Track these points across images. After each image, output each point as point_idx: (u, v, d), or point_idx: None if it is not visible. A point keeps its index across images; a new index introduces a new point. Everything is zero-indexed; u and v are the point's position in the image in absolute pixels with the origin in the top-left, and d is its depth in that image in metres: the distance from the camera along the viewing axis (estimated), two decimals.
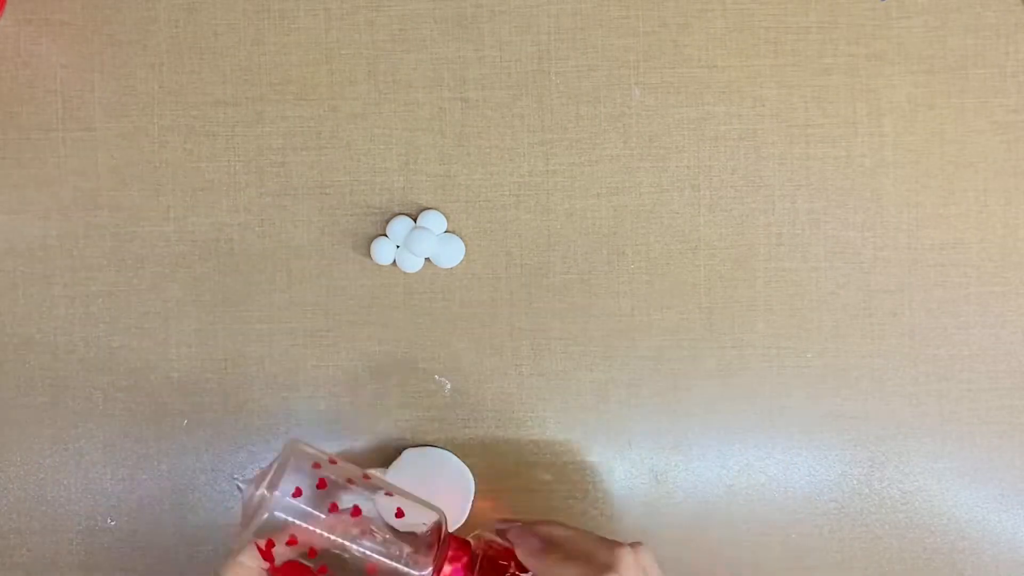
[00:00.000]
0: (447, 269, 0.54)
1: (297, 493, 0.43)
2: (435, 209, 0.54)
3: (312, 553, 0.43)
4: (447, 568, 0.45)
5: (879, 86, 0.55)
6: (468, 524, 0.53)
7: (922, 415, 0.55)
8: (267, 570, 0.43)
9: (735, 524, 0.55)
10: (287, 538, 0.43)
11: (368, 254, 0.54)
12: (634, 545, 0.43)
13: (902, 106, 0.55)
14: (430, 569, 0.45)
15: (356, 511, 0.44)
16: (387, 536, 0.45)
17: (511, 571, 0.47)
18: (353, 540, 0.44)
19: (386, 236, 0.54)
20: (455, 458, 0.54)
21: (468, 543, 0.47)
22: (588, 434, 0.55)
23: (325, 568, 0.43)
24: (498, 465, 0.55)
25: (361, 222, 0.54)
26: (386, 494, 0.46)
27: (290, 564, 0.43)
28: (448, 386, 0.54)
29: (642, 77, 0.54)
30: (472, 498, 0.54)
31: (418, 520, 0.46)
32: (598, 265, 0.55)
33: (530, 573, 0.46)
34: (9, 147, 0.54)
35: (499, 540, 0.48)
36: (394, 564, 0.44)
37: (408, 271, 0.54)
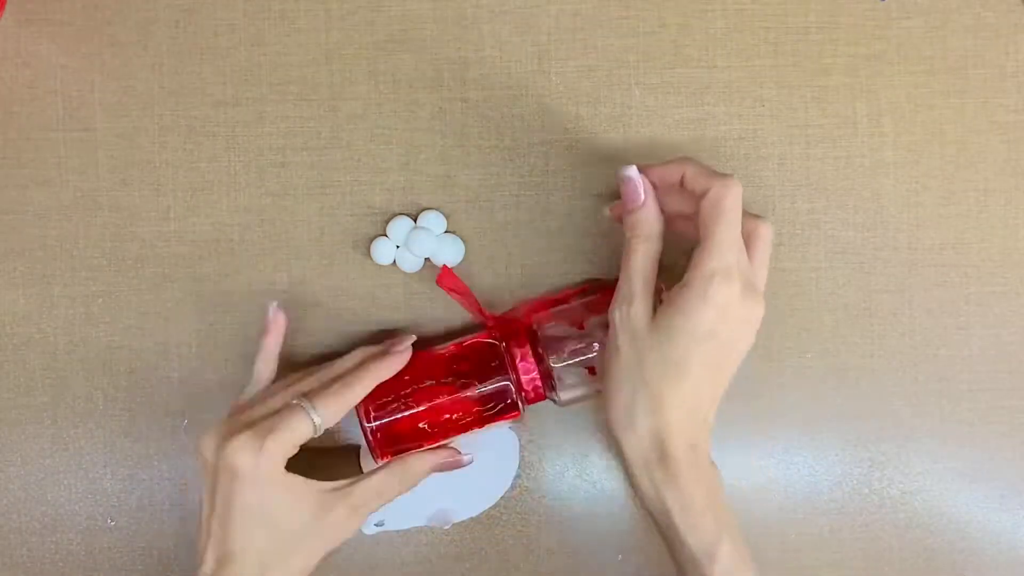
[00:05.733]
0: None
1: None
2: (435, 209, 0.54)
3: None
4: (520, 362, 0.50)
5: (879, 86, 0.55)
6: None
7: (922, 415, 0.55)
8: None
9: None
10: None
11: (368, 254, 0.54)
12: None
13: (902, 106, 0.55)
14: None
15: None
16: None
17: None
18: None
19: (386, 236, 0.54)
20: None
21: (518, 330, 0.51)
22: (588, 434, 0.55)
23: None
24: None
25: (361, 222, 0.54)
26: None
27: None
28: None
29: (642, 77, 0.54)
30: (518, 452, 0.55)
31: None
32: (598, 265, 0.55)
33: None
34: (9, 147, 0.54)
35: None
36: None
37: (408, 271, 0.54)
